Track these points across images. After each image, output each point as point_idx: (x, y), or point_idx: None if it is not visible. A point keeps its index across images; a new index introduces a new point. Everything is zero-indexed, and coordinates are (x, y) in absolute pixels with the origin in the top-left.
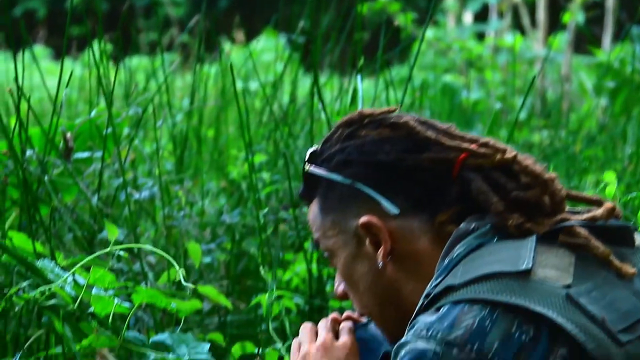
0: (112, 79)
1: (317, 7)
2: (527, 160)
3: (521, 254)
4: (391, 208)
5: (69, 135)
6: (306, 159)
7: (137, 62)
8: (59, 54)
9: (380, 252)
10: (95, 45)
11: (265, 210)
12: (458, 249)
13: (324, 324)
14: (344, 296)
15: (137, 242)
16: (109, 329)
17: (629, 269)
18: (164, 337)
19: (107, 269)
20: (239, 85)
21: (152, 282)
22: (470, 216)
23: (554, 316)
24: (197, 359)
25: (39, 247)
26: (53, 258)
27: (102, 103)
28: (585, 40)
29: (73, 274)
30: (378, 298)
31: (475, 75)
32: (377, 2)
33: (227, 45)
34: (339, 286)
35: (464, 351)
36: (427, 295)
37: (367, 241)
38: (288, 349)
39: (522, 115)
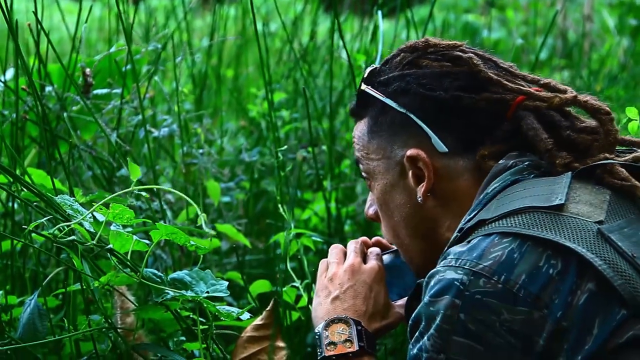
0: (132, 17)
1: None
2: (588, 97)
3: (555, 189)
4: (441, 146)
5: (88, 71)
6: (364, 76)
7: (157, 2)
8: None
9: (422, 187)
10: None
11: (284, 147)
12: (493, 185)
13: (353, 247)
14: (374, 218)
15: (156, 180)
16: (128, 266)
17: None
18: (182, 274)
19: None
20: (259, 26)
21: (170, 221)
22: (510, 153)
23: (583, 251)
24: (216, 296)
25: (58, 184)
26: (72, 195)
27: (122, 40)
28: None
29: (92, 210)
30: (412, 230)
31: (496, 15)
32: None
33: None
34: (370, 208)
35: (491, 282)
36: (461, 230)
37: (410, 174)
38: (306, 288)
39: (543, 55)
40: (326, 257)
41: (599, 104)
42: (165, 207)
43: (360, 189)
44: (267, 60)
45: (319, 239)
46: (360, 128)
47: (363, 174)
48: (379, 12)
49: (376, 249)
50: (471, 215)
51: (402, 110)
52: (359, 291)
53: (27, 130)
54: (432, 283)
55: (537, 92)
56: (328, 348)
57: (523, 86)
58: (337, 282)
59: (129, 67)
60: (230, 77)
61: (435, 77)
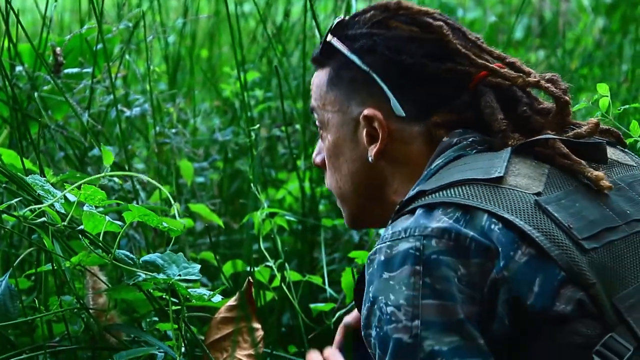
0: None
1: None
2: (550, 83)
3: (494, 163)
4: (399, 109)
5: (58, 50)
6: (331, 26)
7: None
8: None
9: (375, 147)
10: None
11: (257, 127)
12: (437, 161)
13: None
14: (320, 166)
15: (128, 160)
16: (100, 247)
17: (605, 181)
18: (154, 257)
19: (98, 186)
20: (232, 7)
21: (144, 201)
22: (456, 130)
23: (521, 224)
24: (188, 279)
25: (28, 164)
26: (42, 175)
27: (94, 20)
28: None
29: (63, 191)
30: (357, 185)
31: None
32: None
33: None
34: (318, 156)
35: (443, 239)
36: (400, 203)
37: (365, 132)
38: (279, 267)
39: (519, 35)
40: (301, 238)
41: (559, 92)
42: (138, 187)
43: None
44: (240, 40)
45: (292, 219)
46: (320, 76)
47: (317, 122)
48: None
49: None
50: (413, 191)
51: (365, 68)
52: None
53: None
54: (382, 258)
55: (501, 70)
56: None
57: (489, 62)
58: None
59: (100, 46)
60: (204, 57)
61: (403, 40)
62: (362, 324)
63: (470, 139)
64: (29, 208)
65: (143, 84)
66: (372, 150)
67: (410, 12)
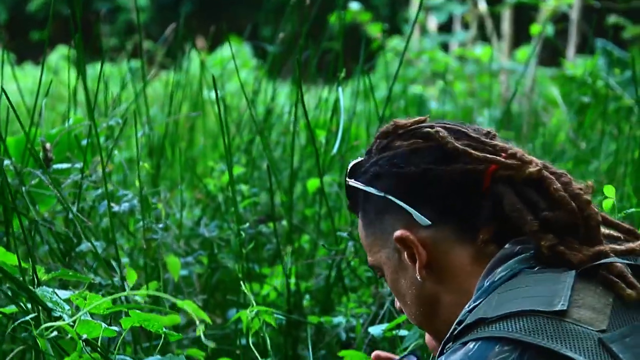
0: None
1: (289, 14)
2: (562, 177)
3: (557, 290)
4: (422, 219)
5: (48, 145)
6: (347, 170)
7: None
8: (21, 58)
9: (417, 265)
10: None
11: (247, 225)
12: (500, 272)
13: None
14: (402, 310)
15: (117, 254)
16: (99, 353)
17: None
18: None
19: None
20: (206, 93)
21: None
22: (515, 238)
23: None
24: None
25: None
26: (34, 273)
27: (76, 112)
28: (548, 53)
29: (73, 303)
30: (422, 309)
31: (441, 87)
32: (347, 12)
33: (193, 54)
34: (396, 300)
35: None
36: (460, 322)
37: (405, 255)
38: None
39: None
40: (285, 334)
41: (570, 190)
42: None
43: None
44: (228, 132)
45: (280, 316)
46: (359, 225)
47: (376, 270)
48: (339, 89)
49: None
50: (474, 304)
51: (380, 194)
52: None
53: None
54: None
55: (504, 161)
56: None
57: (489, 155)
58: None
59: (88, 141)
60: (184, 150)
61: (405, 154)
62: None
63: (532, 251)
64: (45, 325)
65: (123, 175)
66: (417, 269)
67: (407, 128)
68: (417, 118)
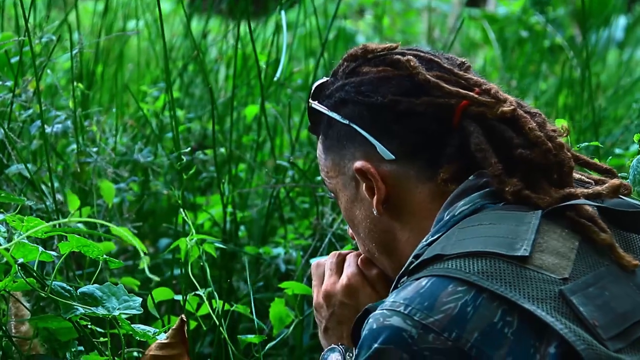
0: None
1: None
2: (536, 117)
3: (521, 232)
4: (386, 152)
5: None
6: (311, 91)
7: None
8: None
9: (375, 199)
10: None
11: (188, 149)
12: (462, 206)
13: (328, 264)
14: (354, 237)
15: (50, 177)
16: (35, 278)
17: (631, 260)
18: (92, 288)
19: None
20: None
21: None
22: (480, 170)
23: (542, 314)
24: (129, 314)
25: None
26: None
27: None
28: None
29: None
30: (377, 245)
31: (371, 22)
32: None
33: None
34: (349, 227)
35: (441, 338)
36: (416, 256)
37: (364, 187)
38: (209, 296)
39: None
40: (219, 265)
41: (545, 131)
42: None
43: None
44: (166, 56)
45: (222, 246)
46: (319, 147)
47: (330, 193)
48: (282, 13)
49: (351, 255)
50: (433, 238)
51: (344, 121)
52: (341, 315)
53: None
54: (374, 326)
55: (478, 97)
56: None
57: (462, 89)
58: (322, 312)
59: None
60: (114, 74)
61: (373, 82)
62: None
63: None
64: None
65: (55, 99)
66: (374, 203)
67: (377, 53)
68: (388, 44)
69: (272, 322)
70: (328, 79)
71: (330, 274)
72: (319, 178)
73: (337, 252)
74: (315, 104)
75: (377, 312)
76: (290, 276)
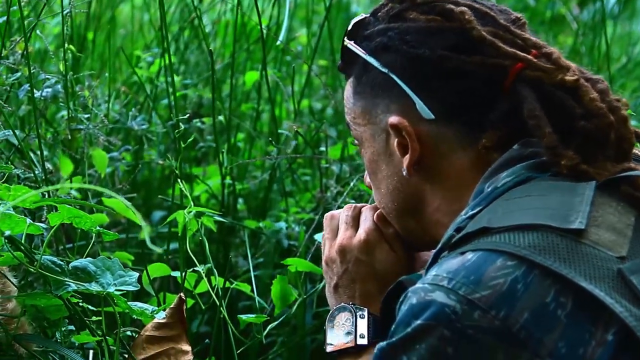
0: None
1: None
2: (599, 84)
3: (575, 203)
4: (426, 111)
5: None
6: (348, 29)
7: None
8: None
9: (407, 159)
10: None
11: (187, 116)
12: (505, 177)
13: (343, 217)
14: (368, 186)
15: (39, 144)
16: (23, 251)
17: None
18: (85, 262)
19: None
20: None
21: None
22: (526, 139)
23: (601, 295)
24: (124, 290)
25: None
26: None
27: None
28: None
29: None
30: (398, 205)
31: None
32: None
33: None
34: (367, 177)
35: (488, 316)
36: (459, 230)
37: (395, 143)
38: (207, 273)
39: None
40: (217, 239)
41: (609, 102)
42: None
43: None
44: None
45: (223, 220)
46: (347, 89)
47: (354, 140)
48: None
49: (367, 209)
50: (474, 211)
51: (383, 69)
52: (355, 272)
53: None
54: (414, 301)
55: (535, 61)
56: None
57: (520, 51)
58: (333, 267)
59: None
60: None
61: (422, 32)
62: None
63: (544, 157)
64: None
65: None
66: (405, 162)
67: (429, 0)
68: None
69: (274, 301)
70: (368, 16)
71: (346, 228)
72: (322, 149)
73: (353, 204)
74: (352, 45)
75: (417, 285)
76: (292, 252)
